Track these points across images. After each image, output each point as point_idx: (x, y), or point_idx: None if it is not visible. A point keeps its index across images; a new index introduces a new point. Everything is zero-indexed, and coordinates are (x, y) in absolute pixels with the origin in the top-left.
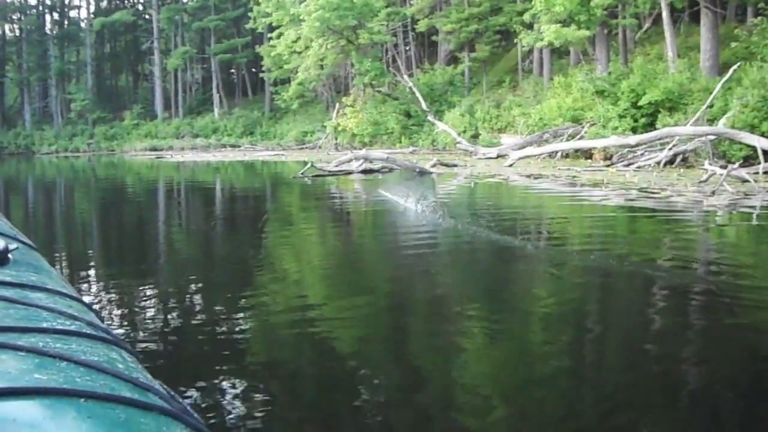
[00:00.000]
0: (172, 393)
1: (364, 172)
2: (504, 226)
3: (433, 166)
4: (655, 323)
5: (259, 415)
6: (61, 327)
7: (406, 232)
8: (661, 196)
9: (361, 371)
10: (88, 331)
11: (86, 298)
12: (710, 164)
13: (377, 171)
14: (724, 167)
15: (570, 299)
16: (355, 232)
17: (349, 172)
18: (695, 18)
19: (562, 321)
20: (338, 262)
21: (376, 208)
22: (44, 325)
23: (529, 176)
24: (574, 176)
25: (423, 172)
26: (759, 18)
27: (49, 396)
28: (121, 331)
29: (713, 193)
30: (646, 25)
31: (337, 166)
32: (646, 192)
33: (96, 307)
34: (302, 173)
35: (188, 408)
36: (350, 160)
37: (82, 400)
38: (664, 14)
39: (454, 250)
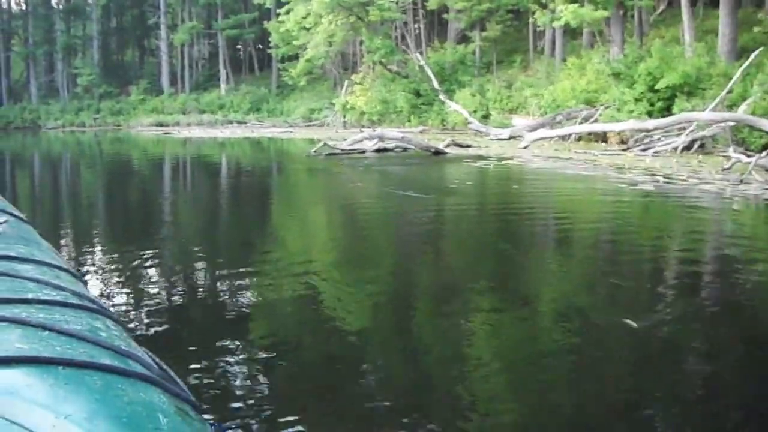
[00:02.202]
0: (157, 360)
1: (378, 151)
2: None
3: (447, 146)
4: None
5: (263, 387)
6: (46, 297)
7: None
8: (688, 183)
9: (366, 345)
10: (73, 301)
11: (89, 271)
12: (734, 152)
13: (391, 150)
14: (744, 155)
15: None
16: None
17: (363, 151)
18: (713, 1)
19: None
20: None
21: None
22: (29, 296)
23: (547, 159)
24: (594, 160)
25: (438, 152)
26: None
27: (28, 365)
28: (122, 303)
29: (741, 181)
30: (662, 7)
31: (351, 144)
32: (671, 179)
33: (97, 279)
34: (315, 151)
35: (173, 375)
36: (364, 139)
37: (61, 367)
38: None
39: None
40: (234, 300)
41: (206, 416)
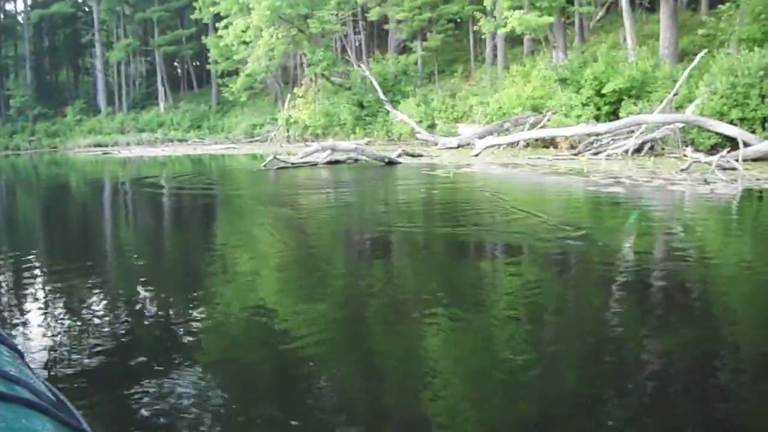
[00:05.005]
0: (53, 389)
1: (330, 163)
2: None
3: (399, 156)
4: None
5: (212, 414)
6: None
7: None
8: (654, 185)
9: (320, 361)
10: None
11: (26, 300)
12: (693, 152)
13: (343, 162)
14: (703, 155)
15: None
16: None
17: (315, 164)
18: (651, 6)
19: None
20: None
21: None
22: None
23: (504, 165)
24: (551, 165)
25: (391, 162)
26: (726, 4)
27: None
28: (60, 332)
29: (705, 181)
30: (600, 14)
31: (302, 157)
32: (635, 181)
33: (32, 303)
34: (265, 166)
35: (68, 404)
36: (315, 151)
37: None
38: (624, 1)
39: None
40: (179, 323)
41: None
